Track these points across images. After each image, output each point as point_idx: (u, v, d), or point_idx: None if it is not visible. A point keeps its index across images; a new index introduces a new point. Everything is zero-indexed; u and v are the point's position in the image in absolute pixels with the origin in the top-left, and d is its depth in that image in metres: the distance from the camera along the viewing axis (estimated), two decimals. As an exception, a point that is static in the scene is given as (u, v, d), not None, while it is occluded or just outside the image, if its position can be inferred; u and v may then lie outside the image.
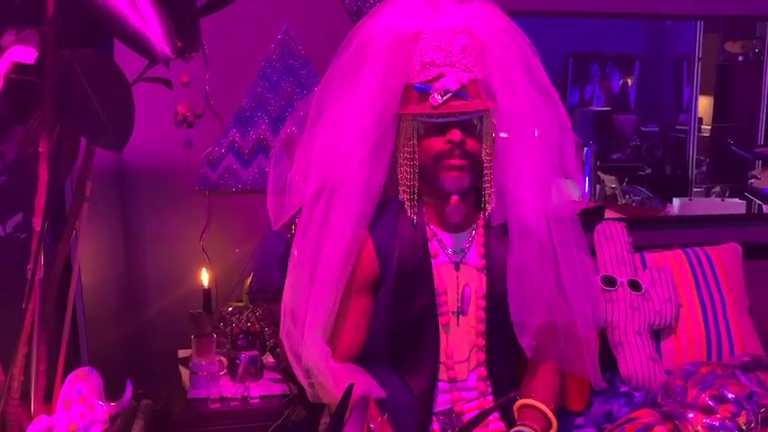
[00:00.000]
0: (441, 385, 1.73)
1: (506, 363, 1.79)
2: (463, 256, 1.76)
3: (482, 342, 1.74)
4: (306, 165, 1.69)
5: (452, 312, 1.74)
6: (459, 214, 1.72)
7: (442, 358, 1.73)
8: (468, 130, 1.65)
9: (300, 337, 1.64)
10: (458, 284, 1.74)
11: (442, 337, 1.73)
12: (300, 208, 1.71)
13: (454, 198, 1.68)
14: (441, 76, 1.63)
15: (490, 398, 1.76)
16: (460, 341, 1.74)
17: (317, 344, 1.61)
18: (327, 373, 1.59)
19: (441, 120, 1.64)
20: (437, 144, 1.65)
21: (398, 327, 1.72)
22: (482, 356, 1.75)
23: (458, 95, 1.62)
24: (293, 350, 1.67)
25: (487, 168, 1.69)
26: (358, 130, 1.64)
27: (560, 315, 1.69)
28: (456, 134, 1.63)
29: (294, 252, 1.71)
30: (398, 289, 1.71)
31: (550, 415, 1.67)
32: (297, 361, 1.66)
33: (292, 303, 1.69)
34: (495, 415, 1.75)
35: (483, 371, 1.75)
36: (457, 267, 1.75)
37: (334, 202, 1.65)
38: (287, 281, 1.72)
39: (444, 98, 1.61)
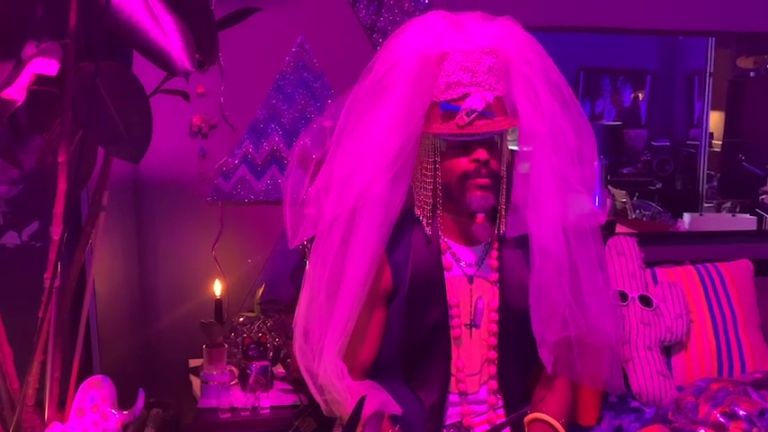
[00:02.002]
0: (451, 398, 1.74)
1: (518, 376, 1.79)
2: (477, 269, 1.76)
3: (494, 355, 1.74)
4: (327, 183, 1.68)
5: (465, 325, 1.74)
6: (485, 232, 1.72)
7: (453, 371, 1.73)
8: (491, 148, 1.66)
9: (315, 354, 1.64)
10: (471, 297, 1.75)
11: (454, 349, 1.73)
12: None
13: (480, 216, 1.69)
14: (466, 95, 1.63)
15: (501, 411, 1.76)
16: (472, 354, 1.74)
17: (334, 362, 1.61)
18: (344, 391, 1.59)
19: (466, 138, 1.64)
20: (462, 163, 1.66)
21: (411, 339, 1.72)
22: (494, 370, 1.75)
23: (483, 114, 1.62)
24: (307, 367, 1.66)
25: (504, 184, 1.70)
26: (383, 153, 1.63)
27: (575, 328, 1.68)
28: (482, 153, 1.64)
29: (309, 270, 1.70)
30: (411, 301, 1.71)
31: (561, 429, 1.67)
32: (311, 378, 1.65)
33: (306, 322, 1.68)
34: (506, 430, 1.75)
35: (494, 384, 1.75)
36: (470, 280, 1.75)
37: (355, 225, 1.63)
38: (300, 298, 1.71)
39: (470, 117, 1.61)
